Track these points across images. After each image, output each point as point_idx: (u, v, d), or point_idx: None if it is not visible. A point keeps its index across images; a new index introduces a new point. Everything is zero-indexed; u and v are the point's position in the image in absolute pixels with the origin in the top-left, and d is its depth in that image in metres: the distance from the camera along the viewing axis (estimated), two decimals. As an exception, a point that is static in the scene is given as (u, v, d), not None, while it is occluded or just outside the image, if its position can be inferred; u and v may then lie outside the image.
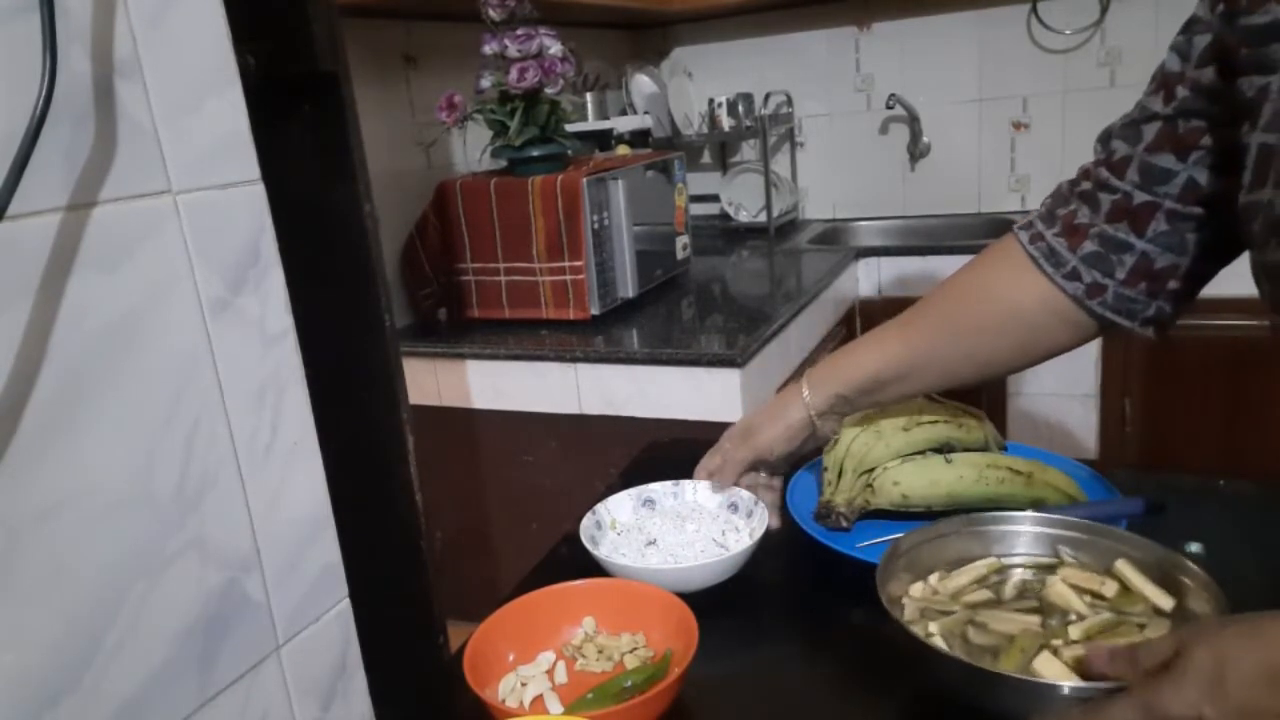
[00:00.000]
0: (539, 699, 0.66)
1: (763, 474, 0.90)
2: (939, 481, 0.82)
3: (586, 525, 0.83)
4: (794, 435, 0.88)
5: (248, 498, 0.59)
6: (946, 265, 2.28)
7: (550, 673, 0.68)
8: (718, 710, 0.66)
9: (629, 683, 0.65)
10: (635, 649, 0.69)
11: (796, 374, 1.89)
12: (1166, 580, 0.63)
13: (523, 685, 0.66)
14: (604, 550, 0.80)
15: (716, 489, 0.88)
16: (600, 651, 0.69)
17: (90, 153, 0.49)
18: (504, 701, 0.65)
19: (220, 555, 0.57)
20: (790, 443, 0.88)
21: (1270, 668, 0.46)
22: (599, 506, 0.86)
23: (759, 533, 0.79)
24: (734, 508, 0.87)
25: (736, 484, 0.88)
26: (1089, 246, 0.77)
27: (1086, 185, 0.78)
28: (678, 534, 0.84)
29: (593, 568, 0.77)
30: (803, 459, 0.92)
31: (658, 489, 0.89)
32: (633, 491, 0.89)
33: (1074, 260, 0.77)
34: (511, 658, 0.69)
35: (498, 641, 0.69)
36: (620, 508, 0.88)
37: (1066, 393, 2.30)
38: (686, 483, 0.90)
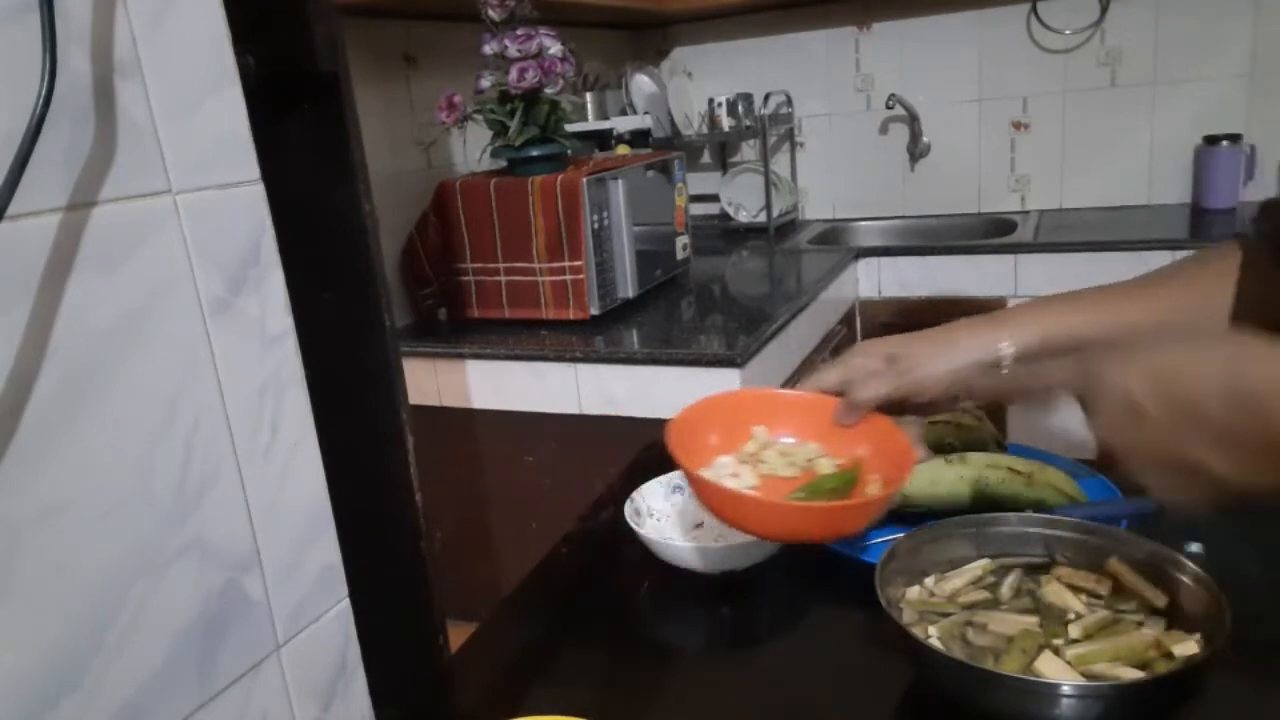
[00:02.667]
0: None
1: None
2: (939, 481, 0.82)
3: (628, 513, 0.85)
4: (963, 377, 0.71)
5: (248, 498, 0.59)
6: (947, 265, 2.28)
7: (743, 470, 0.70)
8: (717, 710, 0.66)
9: (829, 486, 0.65)
10: (818, 457, 0.70)
11: (796, 375, 1.89)
12: (1159, 576, 0.63)
13: (733, 476, 0.68)
14: (649, 533, 0.82)
15: (844, 417, 0.74)
16: (784, 457, 0.70)
17: (90, 153, 0.49)
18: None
19: (220, 555, 0.57)
20: (953, 385, 0.72)
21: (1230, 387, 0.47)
22: (635, 495, 0.88)
23: None
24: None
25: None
26: None
27: None
28: None
29: (593, 567, 0.77)
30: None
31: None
32: (662, 480, 0.92)
33: None
34: (714, 440, 0.72)
35: (701, 429, 0.72)
36: (654, 495, 0.90)
37: (1066, 393, 2.30)
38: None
